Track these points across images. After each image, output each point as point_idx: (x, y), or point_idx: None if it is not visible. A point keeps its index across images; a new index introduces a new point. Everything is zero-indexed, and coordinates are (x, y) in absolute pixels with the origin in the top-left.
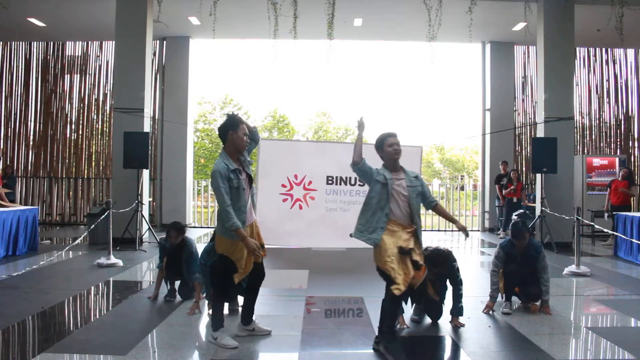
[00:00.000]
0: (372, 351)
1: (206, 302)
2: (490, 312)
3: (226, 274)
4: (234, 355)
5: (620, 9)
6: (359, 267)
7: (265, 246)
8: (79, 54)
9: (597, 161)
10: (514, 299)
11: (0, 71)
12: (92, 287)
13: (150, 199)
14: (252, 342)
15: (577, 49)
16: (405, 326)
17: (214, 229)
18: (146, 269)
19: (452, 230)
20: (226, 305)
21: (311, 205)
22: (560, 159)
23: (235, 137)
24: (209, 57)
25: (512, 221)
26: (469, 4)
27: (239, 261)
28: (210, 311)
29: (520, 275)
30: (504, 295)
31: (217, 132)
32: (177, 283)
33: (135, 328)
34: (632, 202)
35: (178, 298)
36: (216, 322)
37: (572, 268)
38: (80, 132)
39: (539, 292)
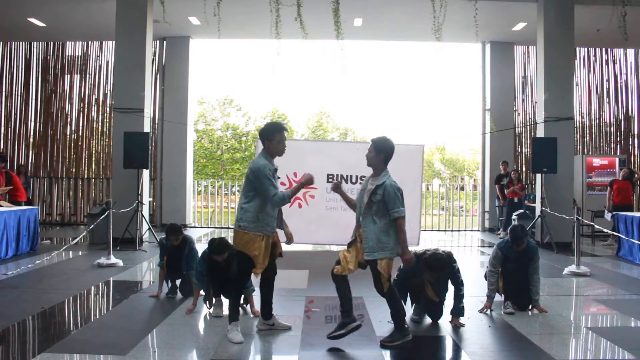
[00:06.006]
0: (372, 352)
1: (205, 302)
2: (488, 311)
3: (244, 269)
4: (235, 354)
5: (623, 8)
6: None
7: None
8: (79, 54)
9: (597, 161)
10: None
11: (0, 71)
12: (92, 287)
13: (150, 199)
14: (253, 342)
15: (577, 49)
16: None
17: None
18: (146, 269)
19: (452, 230)
20: (225, 303)
21: (311, 203)
22: (560, 159)
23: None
24: (209, 57)
25: (512, 226)
26: (469, 3)
27: (256, 257)
28: (211, 309)
29: (517, 276)
30: (503, 294)
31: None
32: (178, 281)
33: (135, 328)
34: (633, 202)
35: (179, 295)
36: (232, 315)
37: (572, 268)
38: (80, 132)
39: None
